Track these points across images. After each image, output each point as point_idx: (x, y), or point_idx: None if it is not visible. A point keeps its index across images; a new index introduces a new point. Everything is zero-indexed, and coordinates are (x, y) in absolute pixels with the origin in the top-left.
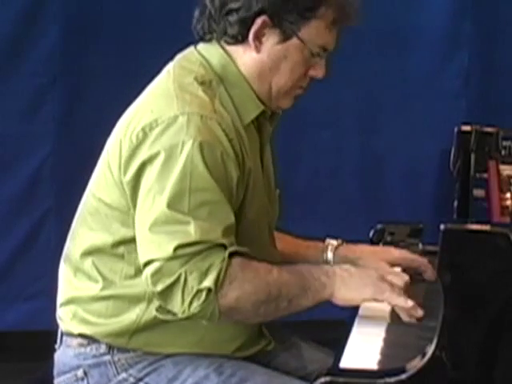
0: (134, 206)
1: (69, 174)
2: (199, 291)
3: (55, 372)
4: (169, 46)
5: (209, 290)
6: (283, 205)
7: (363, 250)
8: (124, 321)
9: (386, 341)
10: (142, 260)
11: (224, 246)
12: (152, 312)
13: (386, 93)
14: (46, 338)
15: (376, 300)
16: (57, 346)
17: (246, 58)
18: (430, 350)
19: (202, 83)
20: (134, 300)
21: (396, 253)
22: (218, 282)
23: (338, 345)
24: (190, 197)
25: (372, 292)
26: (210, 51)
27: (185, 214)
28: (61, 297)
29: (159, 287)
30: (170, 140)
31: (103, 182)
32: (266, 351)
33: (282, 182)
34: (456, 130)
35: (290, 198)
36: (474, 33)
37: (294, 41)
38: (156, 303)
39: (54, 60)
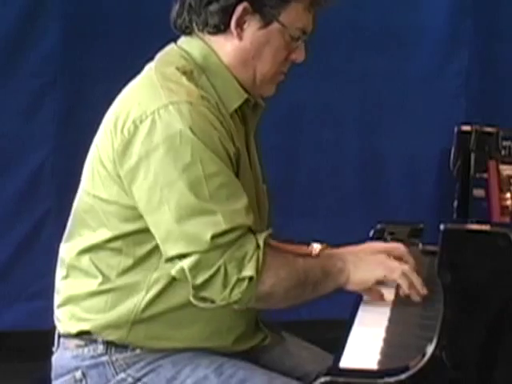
0: (134, 198)
1: (69, 174)
2: (240, 280)
3: (52, 375)
4: None
5: (250, 278)
6: (283, 204)
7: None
8: (122, 310)
9: (386, 341)
10: (170, 253)
11: (251, 230)
12: (149, 300)
13: (386, 92)
14: (45, 338)
15: (387, 279)
16: (54, 349)
17: (227, 47)
18: (430, 349)
19: (183, 73)
20: (133, 290)
21: (377, 246)
22: (258, 270)
23: (337, 345)
24: (207, 183)
25: (383, 271)
26: (190, 44)
27: (207, 200)
28: (58, 299)
29: (199, 280)
30: (165, 131)
31: (97, 179)
32: (263, 349)
33: (282, 181)
34: (456, 129)
35: (290, 197)
36: (475, 32)
37: (275, 25)
38: (151, 293)
39: (54, 60)
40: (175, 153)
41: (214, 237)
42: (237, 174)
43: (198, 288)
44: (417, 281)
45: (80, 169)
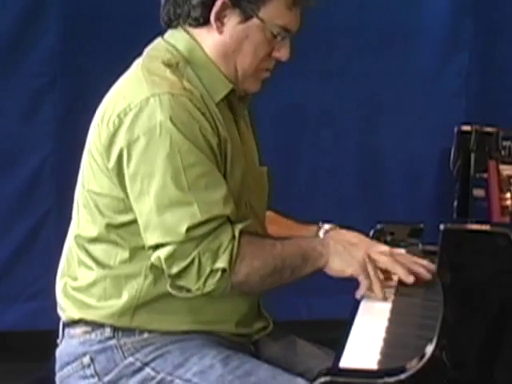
0: (124, 190)
1: (69, 174)
2: (213, 271)
3: (57, 366)
4: None
5: (223, 270)
6: (282, 204)
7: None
8: (124, 297)
9: (386, 341)
10: (149, 242)
11: (229, 219)
12: (150, 285)
13: (386, 92)
14: (46, 337)
15: (356, 276)
16: (59, 341)
17: (209, 40)
18: (430, 349)
19: (168, 66)
20: (131, 277)
21: (381, 249)
22: (232, 262)
23: (337, 345)
24: (186, 173)
25: (357, 269)
26: (175, 37)
27: (185, 191)
28: (59, 289)
29: (174, 270)
30: (147, 123)
31: (90, 173)
32: (266, 343)
33: (281, 181)
34: (456, 129)
35: (290, 197)
36: (475, 32)
37: (255, 21)
38: (150, 278)
39: (54, 60)
40: (155, 144)
41: (189, 229)
42: (225, 160)
43: (173, 277)
44: (376, 285)
45: (80, 168)
